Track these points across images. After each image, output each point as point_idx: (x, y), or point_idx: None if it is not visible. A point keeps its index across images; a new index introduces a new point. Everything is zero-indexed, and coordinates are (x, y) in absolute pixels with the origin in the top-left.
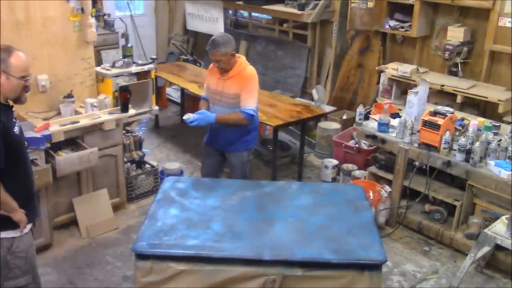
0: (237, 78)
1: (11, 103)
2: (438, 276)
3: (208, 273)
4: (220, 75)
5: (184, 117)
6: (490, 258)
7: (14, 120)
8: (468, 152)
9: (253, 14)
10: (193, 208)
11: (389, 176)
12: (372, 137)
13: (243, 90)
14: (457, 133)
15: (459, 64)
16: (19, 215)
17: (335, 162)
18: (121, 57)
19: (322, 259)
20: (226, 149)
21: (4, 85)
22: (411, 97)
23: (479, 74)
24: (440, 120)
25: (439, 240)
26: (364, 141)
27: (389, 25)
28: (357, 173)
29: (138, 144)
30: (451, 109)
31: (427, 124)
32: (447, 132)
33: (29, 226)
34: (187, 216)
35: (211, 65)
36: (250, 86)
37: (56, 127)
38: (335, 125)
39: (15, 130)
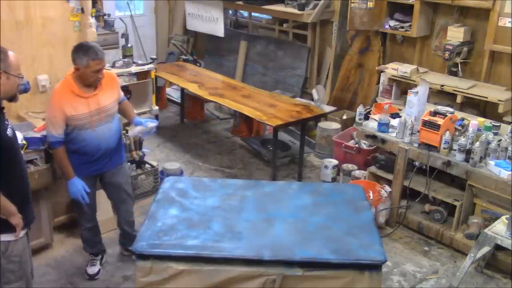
0: (106, 85)
1: (3, 104)
2: (438, 276)
3: (208, 273)
4: (87, 94)
5: (131, 134)
6: (490, 258)
7: (6, 122)
8: (468, 152)
9: (253, 14)
10: (193, 208)
11: (389, 176)
12: (372, 137)
13: (117, 89)
14: (457, 133)
15: (459, 64)
16: (17, 219)
17: (335, 162)
18: (121, 57)
19: (322, 259)
20: (112, 167)
21: (4, 85)
22: (411, 97)
23: (479, 74)
24: (440, 120)
25: (439, 240)
26: (364, 141)
27: (389, 25)
28: (357, 173)
29: (138, 144)
30: (451, 109)
31: (427, 124)
32: (447, 132)
33: (23, 231)
34: (187, 216)
35: (59, 94)
36: (117, 81)
37: None
38: (335, 125)
39: (8, 133)
